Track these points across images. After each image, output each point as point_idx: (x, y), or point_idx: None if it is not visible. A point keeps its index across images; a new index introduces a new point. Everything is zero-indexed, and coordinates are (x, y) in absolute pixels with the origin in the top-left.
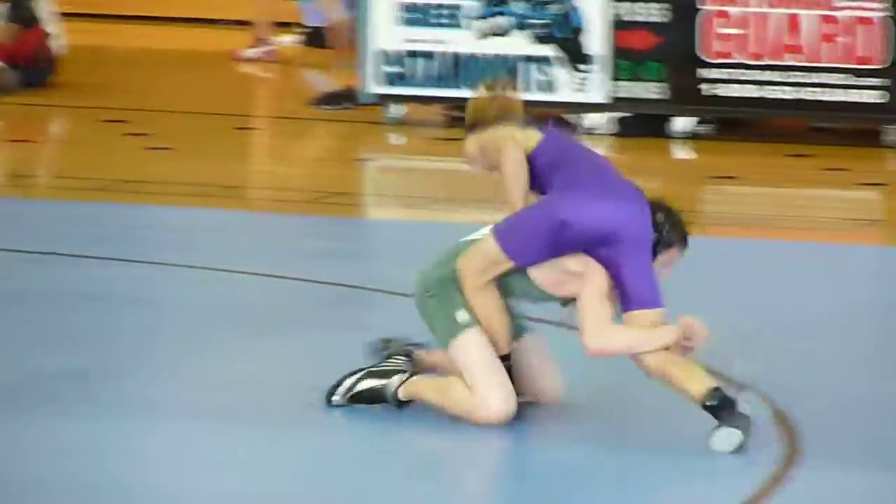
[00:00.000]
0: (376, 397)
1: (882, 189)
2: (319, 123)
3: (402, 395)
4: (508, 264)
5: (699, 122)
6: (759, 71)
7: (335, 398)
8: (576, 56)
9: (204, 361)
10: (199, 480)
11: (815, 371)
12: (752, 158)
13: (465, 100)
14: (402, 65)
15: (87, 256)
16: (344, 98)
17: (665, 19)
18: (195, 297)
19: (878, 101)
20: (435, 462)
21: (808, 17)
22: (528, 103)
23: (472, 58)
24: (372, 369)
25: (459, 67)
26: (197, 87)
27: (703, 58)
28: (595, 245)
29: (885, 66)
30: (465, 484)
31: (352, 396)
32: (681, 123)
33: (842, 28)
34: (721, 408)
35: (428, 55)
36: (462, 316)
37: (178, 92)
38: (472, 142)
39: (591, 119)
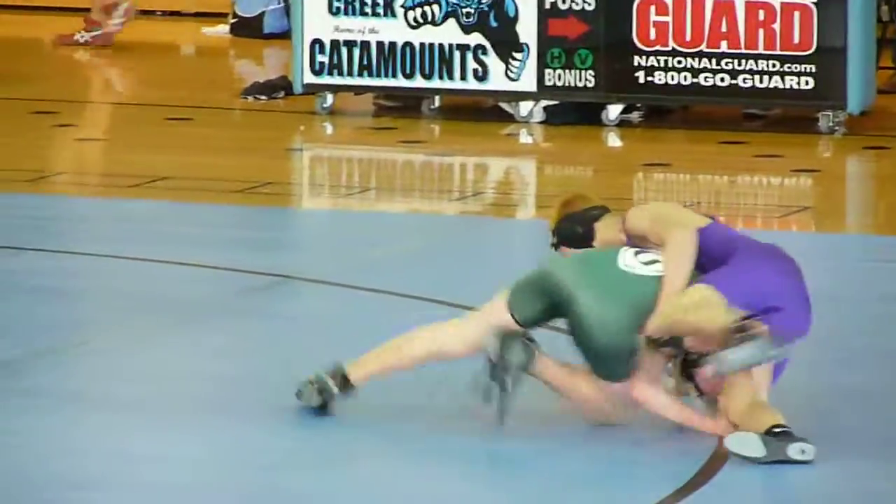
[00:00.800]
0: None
1: (814, 175)
2: (251, 114)
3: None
4: None
5: (631, 110)
6: (692, 58)
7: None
8: (508, 44)
9: (130, 352)
10: (131, 472)
11: None
12: (685, 146)
13: (397, 89)
14: (335, 54)
15: (16, 248)
16: (276, 88)
17: (596, 7)
18: (124, 288)
19: (812, 87)
20: (355, 452)
21: (741, 4)
22: (460, 92)
23: (404, 47)
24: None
25: (391, 57)
26: (126, 77)
27: (637, 45)
28: None
29: (818, 52)
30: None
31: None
32: (613, 111)
33: (775, 15)
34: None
35: (360, 44)
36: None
37: (106, 82)
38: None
39: (522, 107)
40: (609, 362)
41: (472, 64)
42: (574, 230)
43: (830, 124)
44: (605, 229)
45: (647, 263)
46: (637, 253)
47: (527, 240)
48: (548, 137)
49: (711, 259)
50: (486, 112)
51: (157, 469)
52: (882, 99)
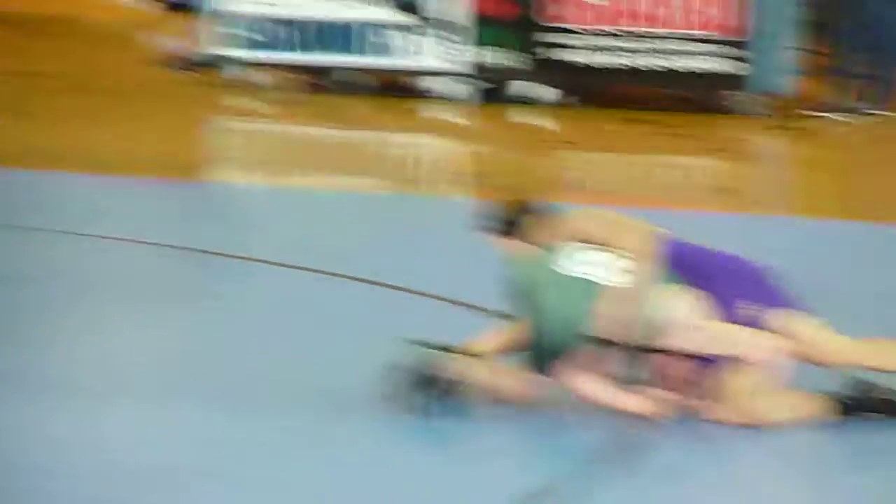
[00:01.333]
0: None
1: (724, 155)
2: (174, 87)
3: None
4: None
5: (547, 90)
6: (605, 39)
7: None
8: (435, 23)
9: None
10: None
11: None
12: (598, 125)
13: (309, 63)
14: (257, 29)
15: None
16: (191, 61)
17: None
18: (45, 265)
19: (722, 67)
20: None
21: None
22: (389, 71)
23: (327, 23)
24: None
25: (314, 33)
26: (46, 51)
27: (554, 25)
28: None
29: (730, 34)
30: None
31: None
32: (526, 90)
33: None
34: None
35: (282, 20)
36: None
37: (25, 55)
38: None
39: (443, 85)
40: (551, 358)
41: (399, 42)
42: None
43: (741, 104)
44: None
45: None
46: (581, 250)
47: (442, 217)
48: (466, 115)
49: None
50: (405, 89)
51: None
52: (801, 81)
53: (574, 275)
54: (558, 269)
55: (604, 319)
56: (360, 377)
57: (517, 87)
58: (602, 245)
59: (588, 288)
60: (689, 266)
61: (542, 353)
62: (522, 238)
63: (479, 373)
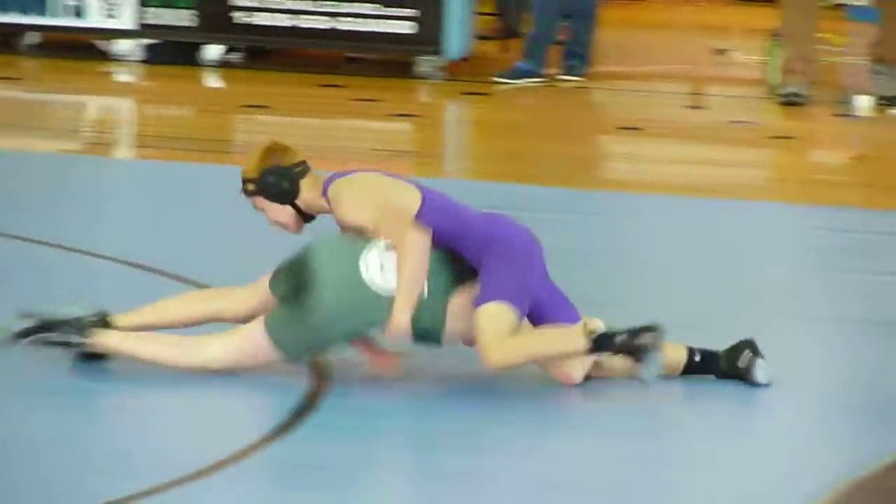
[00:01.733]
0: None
1: (413, 120)
2: None
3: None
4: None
5: (231, 51)
6: (291, 0)
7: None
8: None
9: None
10: None
11: None
12: (285, 88)
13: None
14: None
15: None
16: None
17: None
18: None
19: (410, 32)
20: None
21: None
22: (57, 29)
23: None
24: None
25: None
26: None
27: None
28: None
29: None
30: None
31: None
32: (212, 51)
33: None
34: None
35: None
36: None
37: None
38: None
39: (120, 46)
40: (305, 347)
41: (66, 0)
42: (279, 184)
43: (429, 69)
44: (307, 190)
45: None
46: (383, 251)
47: (125, 179)
48: (147, 76)
49: (440, 238)
50: (83, 49)
51: None
52: (481, 45)
53: (376, 286)
54: (363, 274)
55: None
56: None
57: (209, 50)
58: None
59: (379, 302)
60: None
61: (310, 343)
62: (296, 204)
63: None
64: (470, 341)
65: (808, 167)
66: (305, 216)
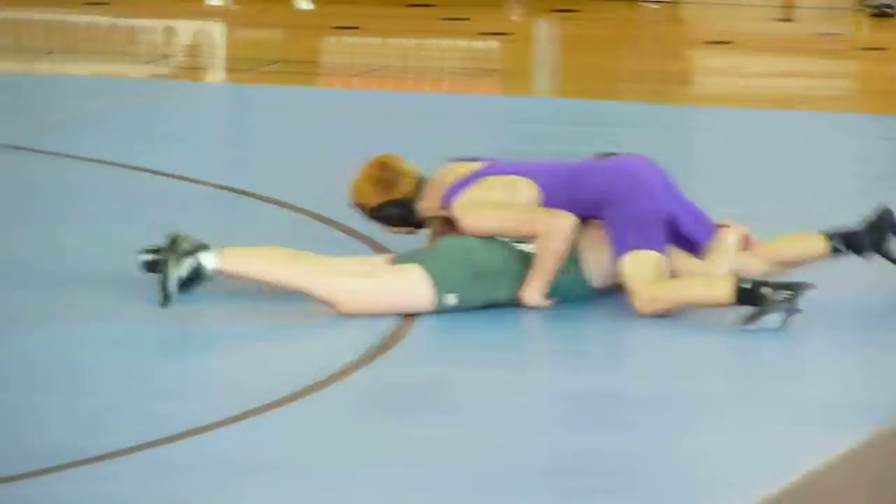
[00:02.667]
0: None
1: (503, 38)
2: None
3: (225, 264)
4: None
5: None
6: None
7: (159, 297)
8: None
9: None
10: None
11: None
12: (373, 9)
13: None
14: None
15: None
16: None
17: None
18: None
19: None
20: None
21: None
22: None
23: None
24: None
25: None
26: None
27: None
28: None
29: None
30: None
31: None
32: None
33: None
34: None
35: None
36: (451, 299)
37: None
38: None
39: None
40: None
41: None
42: (401, 216)
43: None
44: (426, 207)
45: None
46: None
47: (218, 103)
48: (237, 1)
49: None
50: None
51: None
52: None
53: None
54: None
55: None
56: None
57: None
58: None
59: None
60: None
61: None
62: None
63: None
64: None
65: None
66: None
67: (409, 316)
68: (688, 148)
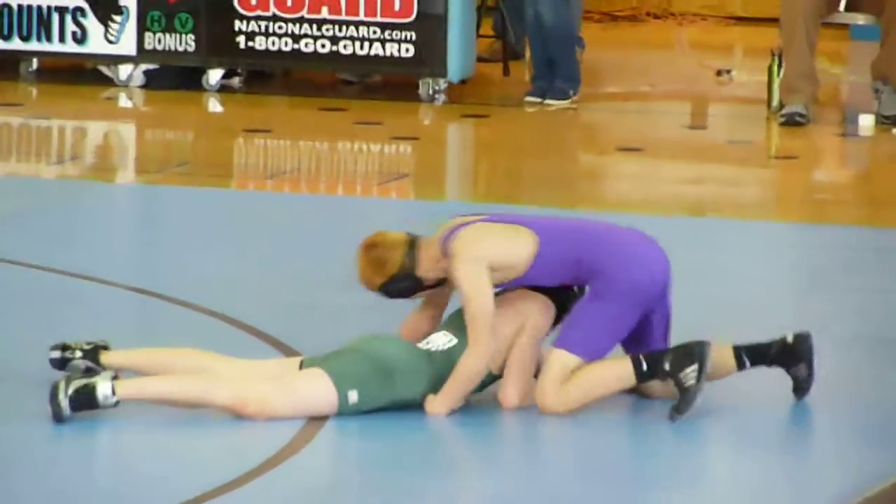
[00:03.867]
0: (90, 399)
1: (415, 143)
2: None
3: (119, 393)
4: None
5: (233, 75)
6: (294, 24)
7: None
8: (107, 6)
9: None
10: None
11: (339, 325)
12: (286, 111)
13: None
14: None
15: None
16: None
17: None
18: None
19: (412, 55)
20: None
21: None
22: (58, 55)
23: (1, 8)
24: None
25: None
26: None
27: (238, 10)
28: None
29: (419, 20)
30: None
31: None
32: (214, 76)
33: None
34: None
35: None
36: (352, 396)
37: None
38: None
39: (122, 70)
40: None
41: (70, 26)
42: (402, 288)
43: (430, 92)
44: (426, 269)
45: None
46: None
47: (126, 204)
48: (148, 101)
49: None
50: (85, 75)
51: None
52: (482, 67)
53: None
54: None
55: None
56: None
57: (210, 74)
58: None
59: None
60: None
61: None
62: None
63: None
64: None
65: (810, 186)
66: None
67: (317, 419)
68: None
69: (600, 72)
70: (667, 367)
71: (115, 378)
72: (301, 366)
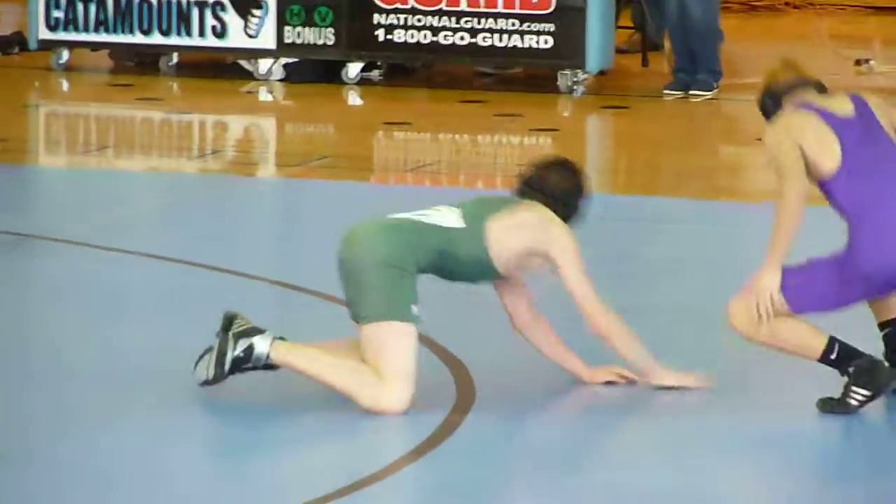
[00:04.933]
0: (246, 359)
1: (554, 134)
2: None
3: (273, 357)
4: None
5: (372, 68)
6: (432, 17)
7: (209, 372)
8: (246, 1)
9: None
10: None
11: (488, 317)
12: (426, 105)
13: (134, 45)
14: (70, 9)
15: None
16: (11, 44)
17: None
18: None
19: (551, 46)
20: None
21: None
22: (198, 49)
23: (141, 2)
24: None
25: (128, 12)
26: None
27: (377, 3)
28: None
29: (557, 11)
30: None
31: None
32: (353, 69)
33: None
34: None
35: (96, 0)
36: (414, 309)
37: None
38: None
39: (262, 65)
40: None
41: (210, 20)
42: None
43: (570, 83)
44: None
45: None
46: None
47: (268, 198)
48: (288, 95)
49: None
50: (224, 69)
51: None
52: (621, 59)
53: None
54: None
55: None
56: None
57: (350, 68)
58: None
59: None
60: None
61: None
62: None
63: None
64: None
65: None
66: None
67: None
68: (737, 243)
69: (740, 63)
70: (850, 371)
71: (277, 339)
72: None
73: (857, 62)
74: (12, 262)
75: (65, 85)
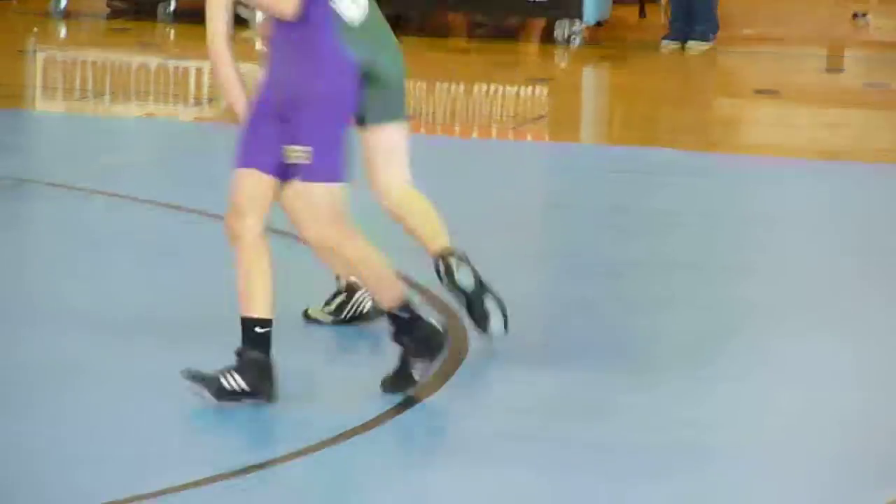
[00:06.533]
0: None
1: (551, 84)
2: None
3: None
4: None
5: None
6: None
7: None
8: None
9: None
10: None
11: (484, 270)
12: (421, 54)
13: None
14: None
15: None
16: None
17: None
18: None
19: None
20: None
21: None
22: None
23: None
24: None
25: None
26: None
27: None
28: None
29: None
30: None
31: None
32: None
33: None
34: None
35: None
36: None
37: None
38: None
39: (259, 13)
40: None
41: None
42: None
43: (566, 34)
44: None
45: None
46: None
47: None
48: None
49: None
50: None
51: None
52: (618, 10)
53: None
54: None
55: None
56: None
57: None
58: None
59: None
60: None
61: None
62: None
63: None
64: None
65: None
66: None
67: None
68: (733, 196)
69: (736, 15)
70: (409, 343)
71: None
72: None
73: (854, 15)
74: (8, 206)
75: (62, 30)
